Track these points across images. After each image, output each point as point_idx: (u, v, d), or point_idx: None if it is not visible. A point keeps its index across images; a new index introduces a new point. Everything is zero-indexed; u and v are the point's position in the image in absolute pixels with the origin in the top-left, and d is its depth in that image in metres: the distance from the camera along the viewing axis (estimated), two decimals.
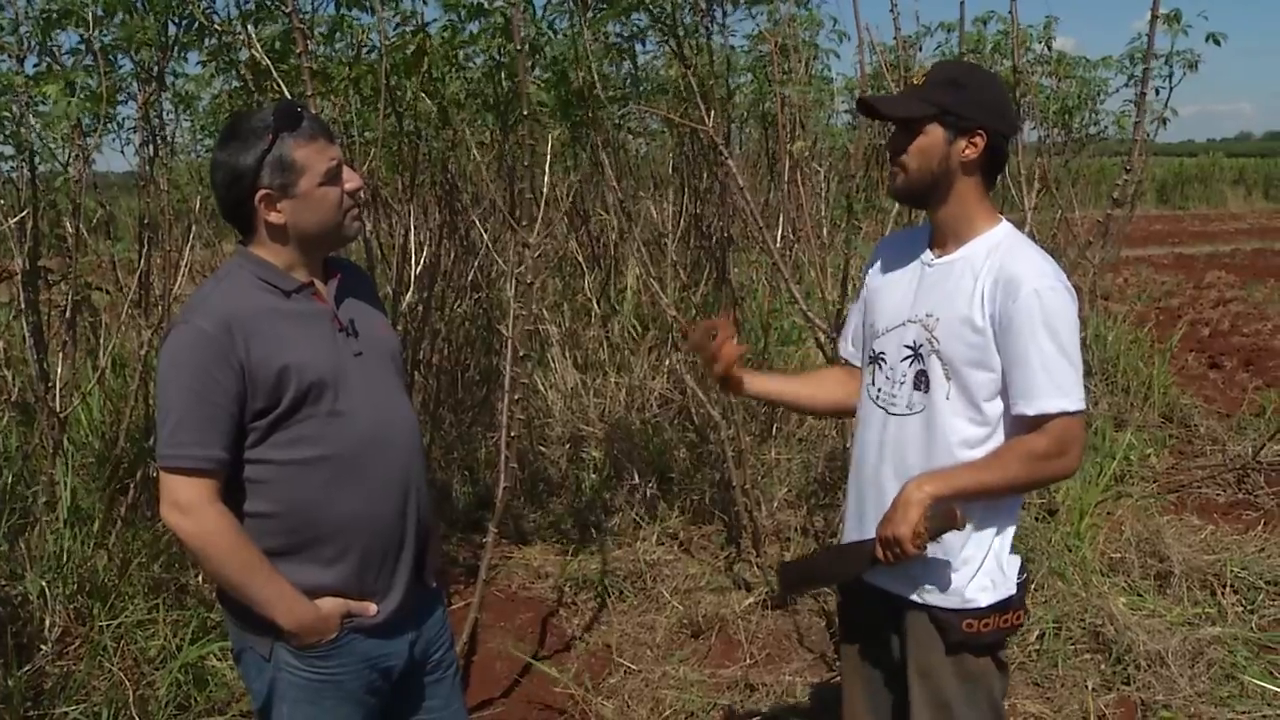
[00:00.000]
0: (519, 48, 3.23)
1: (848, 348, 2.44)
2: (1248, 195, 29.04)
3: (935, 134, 2.07)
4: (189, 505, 1.83)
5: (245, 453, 1.89)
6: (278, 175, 1.89)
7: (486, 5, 4.05)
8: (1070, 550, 4.34)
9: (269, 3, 3.78)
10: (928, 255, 2.18)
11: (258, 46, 3.58)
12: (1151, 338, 7.72)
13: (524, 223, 3.36)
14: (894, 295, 2.22)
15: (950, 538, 2.06)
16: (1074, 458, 2.02)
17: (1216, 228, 21.62)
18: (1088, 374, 6.72)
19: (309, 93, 3.24)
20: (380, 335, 2.09)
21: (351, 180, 1.98)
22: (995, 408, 2.05)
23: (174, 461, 1.83)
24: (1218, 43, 6.15)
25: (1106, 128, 8.19)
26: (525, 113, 3.26)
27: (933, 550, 2.05)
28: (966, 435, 2.07)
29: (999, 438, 2.06)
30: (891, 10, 3.99)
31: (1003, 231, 2.12)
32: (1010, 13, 4.19)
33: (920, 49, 6.92)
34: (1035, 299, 1.96)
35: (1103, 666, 3.72)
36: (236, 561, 1.86)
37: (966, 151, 2.07)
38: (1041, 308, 1.96)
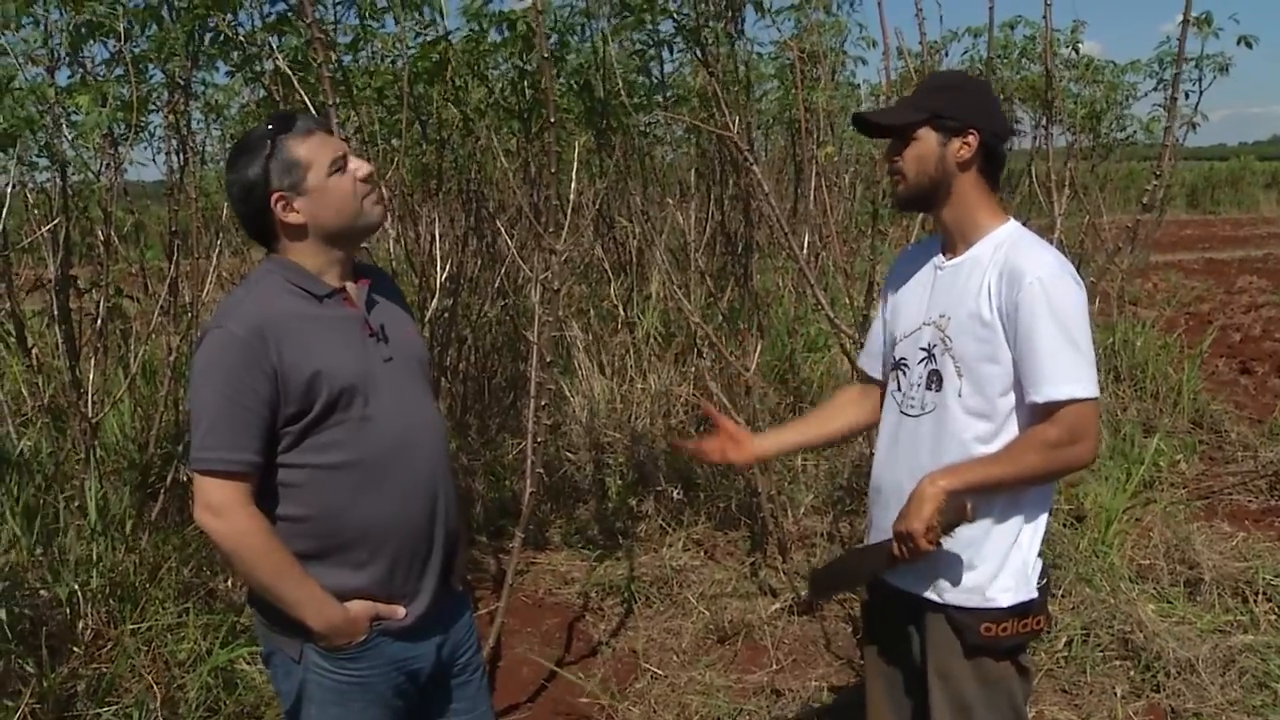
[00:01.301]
0: (544, 55, 3.25)
1: (865, 359, 2.49)
2: None
3: (928, 138, 2.12)
4: (221, 507, 1.85)
5: (278, 457, 1.91)
6: (285, 175, 1.92)
7: (509, 14, 4.09)
8: (1098, 556, 4.30)
9: (290, 14, 3.83)
10: (939, 259, 2.22)
11: (279, 59, 3.62)
12: (1181, 343, 7.63)
13: (549, 229, 3.37)
14: (911, 302, 2.26)
15: (971, 535, 2.06)
16: (1088, 446, 2.01)
17: (1248, 232, 21.35)
18: (1116, 379, 6.66)
19: (330, 102, 3.27)
20: (409, 340, 2.11)
21: (361, 167, 2.00)
22: (1006, 403, 2.06)
23: (207, 464, 1.85)
24: (1249, 45, 6.08)
25: (1134, 132, 8.13)
26: (550, 120, 3.27)
27: (950, 546, 2.06)
28: (978, 431, 2.08)
29: (1010, 432, 2.07)
30: (917, 14, 4.00)
31: (1008, 229, 2.14)
32: (1044, 17, 4.16)
33: (946, 54, 6.88)
34: (1039, 287, 1.97)
35: (1132, 674, 3.68)
36: (268, 563, 1.88)
37: (961, 151, 2.10)
38: (1046, 296, 1.97)
